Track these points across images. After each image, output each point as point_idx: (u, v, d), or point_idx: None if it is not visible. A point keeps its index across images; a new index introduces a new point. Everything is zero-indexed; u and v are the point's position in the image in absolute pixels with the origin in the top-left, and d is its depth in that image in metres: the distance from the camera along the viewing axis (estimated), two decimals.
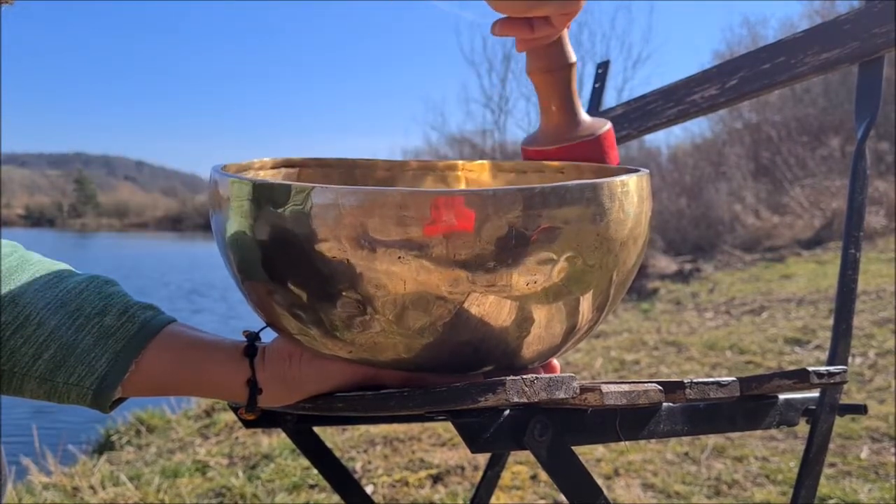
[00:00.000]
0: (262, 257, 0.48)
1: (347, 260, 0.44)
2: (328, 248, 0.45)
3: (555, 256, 0.45)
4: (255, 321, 0.56)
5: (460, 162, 0.72)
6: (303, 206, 0.45)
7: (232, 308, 7.71)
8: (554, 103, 0.67)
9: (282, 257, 0.47)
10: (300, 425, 0.70)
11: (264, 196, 0.47)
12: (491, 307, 0.46)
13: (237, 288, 0.53)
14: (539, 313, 0.47)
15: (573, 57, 0.66)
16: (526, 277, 0.45)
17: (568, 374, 0.44)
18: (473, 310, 0.46)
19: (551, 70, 0.65)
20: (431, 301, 0.45)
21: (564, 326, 0.49)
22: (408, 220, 0.43)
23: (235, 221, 0.49)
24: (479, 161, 0.72)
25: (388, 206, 0.43)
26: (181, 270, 12.81)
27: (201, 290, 9.53)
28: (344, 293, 0.46)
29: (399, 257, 0.44)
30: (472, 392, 0.42)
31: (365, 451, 2.02)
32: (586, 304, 0.49)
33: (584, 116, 0.68)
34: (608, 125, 0.67)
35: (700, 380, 0.52)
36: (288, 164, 0.67)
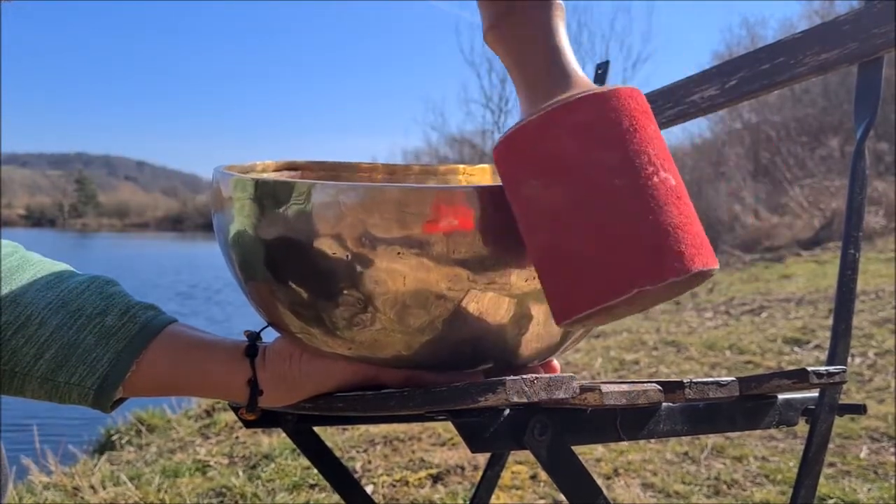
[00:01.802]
0: (264, 256, 0.48)
1: (348, 257, 0.45)
2: (329, 246, 0.45)
3: None
4: (244, 324, 0.56)
5: (461, 166, 0.72)
6: (304, 203, 0.45)
7: (224, 311, 7.70)
8: (518, 64, 0.44)
9: (284, 255, 0.47)
10: (300, 425, 0.70)
11: (266, 194, 0.47)
12: (490, 304, 0.46)
13: (239, 289, 0.54)
14: (537, 311, 0.48)
15: None
16: (525, 275, 0.46)
17: (568, 374, 0.44)
18: (472, 307, 0.46)
19: (502, 21, 0.45)
20: (431, 298, 0.45)
21: None
22: (408, 217, 0.43)
23: (238, 221, 0.49)
24: (480, 165, 0.73)
25: (389, 203, 0.44)
26: (175, 272, 12.80)
27: (194, 292, 9.52)
28: (345, 291, 0.46)
29: (399, 253, 0.44)
30: (472, 392, 0.42)
31: (365, 451, 2.03)
32: None
33: (580, 75, 0.44)
34: (631, 88, 0.43)
35: (699, 380, 0.52)
36: (291, 167, 0.67)
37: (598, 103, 0.41)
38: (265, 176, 0.63)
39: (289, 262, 0.47)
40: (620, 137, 0.41)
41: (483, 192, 0.44)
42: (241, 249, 0.50)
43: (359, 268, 0.45)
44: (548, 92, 0.43)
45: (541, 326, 0.49)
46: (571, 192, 0.40)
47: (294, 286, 0.47)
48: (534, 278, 0.46)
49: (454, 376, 0.51)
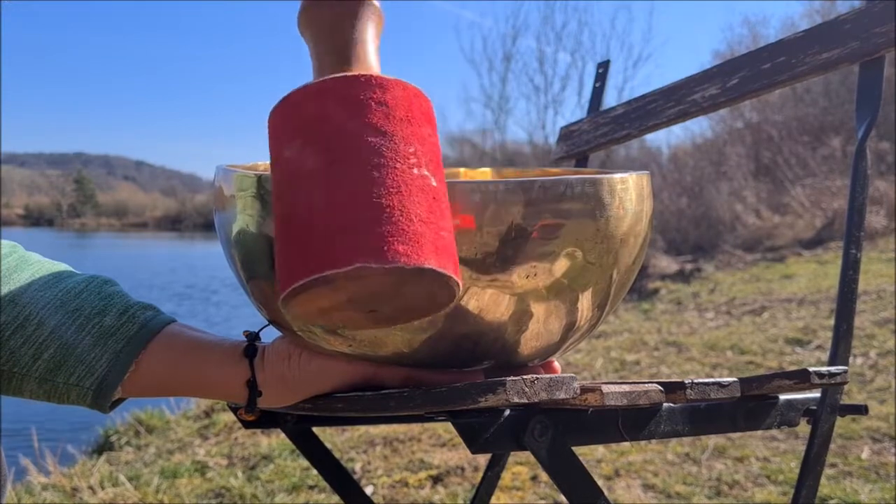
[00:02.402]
0: (267, 253, 0.48)
1: None
2: None
3: (555, 251, 0.45)
4: (242, 325, 0.56)
5: (462, 170, 0.72)
6: None
7: (220, 311, 7.70)
8: (318, 51, 0.44)
9: None
10: (300, 426, 0.70)
11: (269, 190, 0.47)
12: (490, 301, 0.46)
13: (238, 288, 0.54)
14: (538, 309, 0.47)
15: None
16: (525, 272, 0.45)
17: (568, 375, 0.44)
18: (473, 304, 0.46)
19: (312, 6, 0.45)
20: None
21: (563, 323, 0.49)
22: None
23: (240, 218, 0.49)
24: (482, 168, 0.72)
25: None
26: (173, 272, 12.79)
27: (191, 293, 9.52)
28: None
29: None
30: (473, 392, 0.42)
31: (365, 452, 2.02)
32: (586, 301, 0.49)
33: (377, 70, 0.44)
34: (420, 91, 0.43)
35: (701, 380, 0.52)
36: None
37: (380, 85, 0.40)
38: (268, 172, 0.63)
39: None
40: (390, 121, 0.39)
41: (484, 188, 0.44)
42: (244, 247, 0.49)
43: None
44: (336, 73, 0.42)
45: (541, 324, 0.48)
46: (325, 157, 0.39)
47: None
48: (535, 275, 0.45)
49: (454, 375, 0.51)
